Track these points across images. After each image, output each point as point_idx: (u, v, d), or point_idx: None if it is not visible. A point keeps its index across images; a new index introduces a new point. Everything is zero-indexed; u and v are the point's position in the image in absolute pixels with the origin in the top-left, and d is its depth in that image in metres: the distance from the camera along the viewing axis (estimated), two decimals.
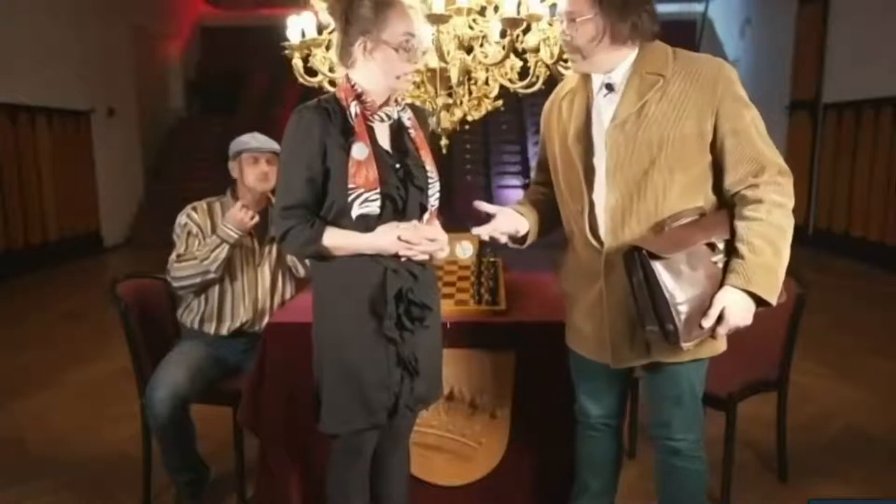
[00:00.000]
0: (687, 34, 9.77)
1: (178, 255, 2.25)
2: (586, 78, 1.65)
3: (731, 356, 2.14)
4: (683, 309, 1.46)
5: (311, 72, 2.50)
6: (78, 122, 7.60)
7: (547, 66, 2.42)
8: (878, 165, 6.49)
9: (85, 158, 7.75)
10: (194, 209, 2.32)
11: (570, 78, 1.75)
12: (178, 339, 2.42)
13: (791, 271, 2.16)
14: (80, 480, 2.57)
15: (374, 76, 1.57)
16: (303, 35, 2.43)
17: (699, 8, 9.74)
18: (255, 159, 2.28)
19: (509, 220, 1.74)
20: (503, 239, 1.74)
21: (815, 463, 2.63)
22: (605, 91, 1.60)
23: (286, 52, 2.46)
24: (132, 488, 2.41)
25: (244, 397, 2.10)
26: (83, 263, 7.27)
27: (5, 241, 6.39)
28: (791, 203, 1.54)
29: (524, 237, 1.78)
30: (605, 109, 1.60)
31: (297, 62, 2.47)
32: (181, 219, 2.31)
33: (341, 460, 1.72)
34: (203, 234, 2.28)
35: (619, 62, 1.57)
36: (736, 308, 1.49)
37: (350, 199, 1.52)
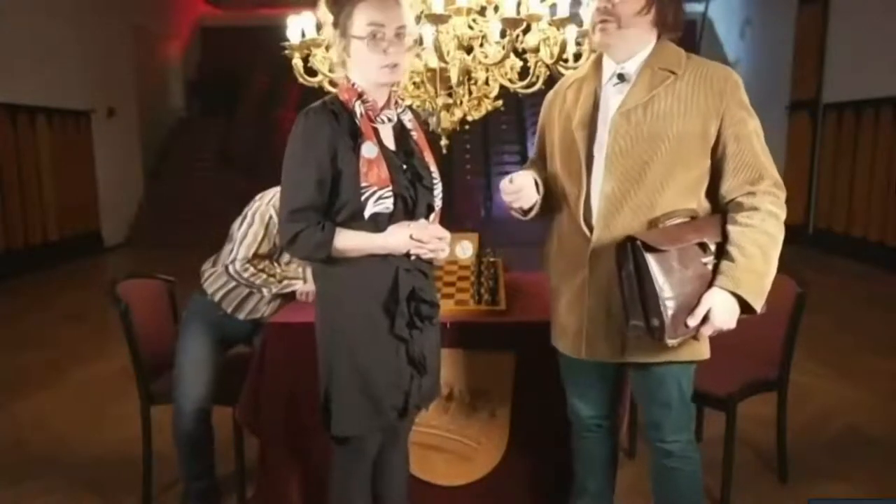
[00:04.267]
0: (687, 34, 9.69)
1: (254, 255, 2.15)
2: (597, 67, 1.66)
3: (731, 356, 2.15)
4: (671, 305, 1.46)
5: (311, 72, 2.50)
6: (78, 122, 7.60)
7: (547, 66, 2.42)
8: (878, 165, 6.49)
9: (85, 158, 7.75)
10: None
11: (578, 70, 1.77)
12: (182, 315, 2.34)
13: (791, 271, 2.18)
14: (80, 480, 2.57)
15: (360, 73, 1.58)
16: (303, 35, 2.42)
17: (699, 8, 9.74)
18: None
19: (531, 185, 1.69)
20: (519, 204, 1.68)
21: (815, 463, 2.63)
22: (615, 80, 1.61)
23: (286, 52, 2.46)
24: (132, 488, 2.41)
25: (243, 396, 2.11)
26: (83, 263, 7.27)
27: (5, 241, 6.40)
28: (784, 215, 1.55)
29: (531, 208, 1.74)
30: (612, 98, 1.61)
31: (297, 62, 2.47)
32: (264, 208, 2.15)
33: (345, 462, 1.72)
34: (269, 232, 2.17)
35: (639, 50, 1.59)
36: (722, 310, 1.50)
37: (364, 197, 1.51)
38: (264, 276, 2.17)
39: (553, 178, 1.73)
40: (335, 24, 1.56)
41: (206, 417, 2.21)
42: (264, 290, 2.20)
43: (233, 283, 2.23)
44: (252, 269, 2.15)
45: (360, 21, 1.52)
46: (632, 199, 1.56)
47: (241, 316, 2.27)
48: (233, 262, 2.15)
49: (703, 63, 1.59)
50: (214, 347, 2.23)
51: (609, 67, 1.63)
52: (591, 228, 1.61)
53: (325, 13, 1.60)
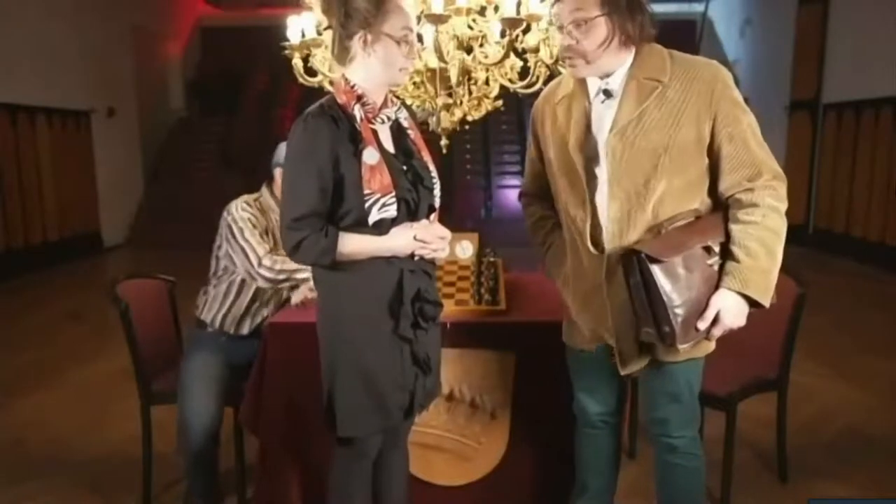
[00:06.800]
0: (687, 34, 9.77)
1: (271, 249, 2.17)
2: (582, 83, 1.62)
3: (731, 356, 2.15)
4: (680, 312, 1.47)
5: (311, 72, 2.50)
6: (78, 122, 7.60)
7: (547, 66, 2.41)
8: (878, 165, 6.49)
9: (85, 158, 7.75)
10: (248, 204, 2.24)
11: (564, 82, 1.70)
12: (182, 341, 2.37)
13: (791, 271, 2.18)
14: (80, 480, 2.57)
15: (373, 71, 1.56)
16: (303, 35, 2.42)
17: (699, 8, 9.73)
18: None
19: None
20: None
21: (815, 463, 2.63)
22: (602, 97, 1.58)
23: (286, 52, 2.46)
24: (132, 488, 2.41)
25: (246, 397, 2.11)
26: (83, 263, 7.28)
27: (5, 241, 6.40)
28: (785, 206, 1.55)
29: None
30: (604, 117, 1.58)
31: (297, 62, 2.47)
32: (240, 213, 2.20)
33: (346, 462, 1.72)
34: (261, 228, 2.21)
35: (619, 66, 1.55)
36: (731, 310, 1.51)
37: (368, 204, 1.51)
38: (293, 266, 2.15)
39: (557, 198, 1.72)
40: (365, 18, 1.52)
41: (214, 435, 2.19)
42: (303, 288, 2.19)
43: (229, 302, 2.24)
44: (279, 259, 2.15)
45: (397, 22, 1.53)
46: (637, 216, 1.55)
47: (245, 331, 2.27)
48: (260, 265, 2.14)
49: (689, 64, 1.54)
50: (221, 367, 2.22)
51: (594, 83, 1.59)
52: (599, 246, 1.60)
53: (330, 6, 1.57)
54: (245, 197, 2.28)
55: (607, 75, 1.56)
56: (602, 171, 1.58)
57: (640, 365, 1.65)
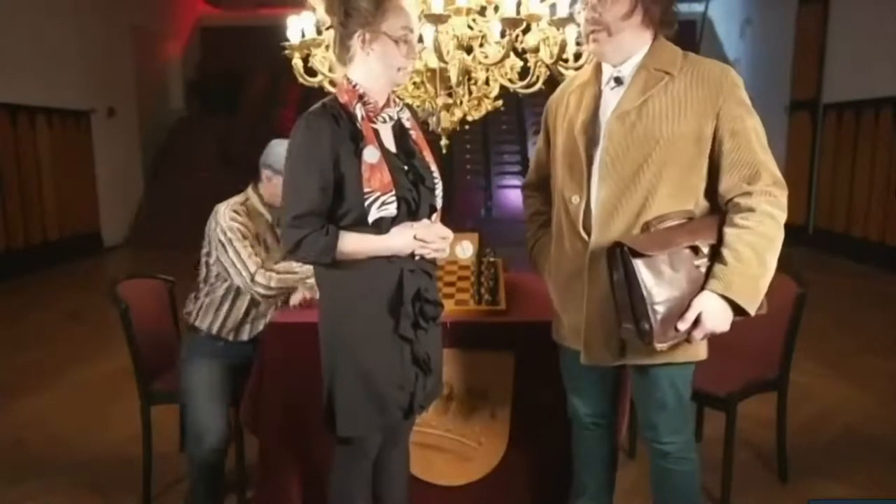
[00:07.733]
0: (687, 34, 9.76)
1: (264, 261, 2.13)
2: (597, 71, 1.66)
3: (731, 356, 2.15)
4: (660, 309, 1.45)
5: (311, 72, 2.50)
6: (78, 122, 7.60)
7: (547, 66, 2.41)
8: (878, 166, 6.49)
9: (85, 158, 7.75)
10: (235, 212, 2.17)
11: (581, 73, 1.75)
12: (180, 344, 2.33)
13: (791, 271, 2.18)
14: (80, 480, 2.57)
15: (373, 70, 1.57)
16: (303, 35, 2.42)
17: (699, 8, 9.74)
18: None
19: None
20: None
21: (815, 463, 2.63)
22: (613, 84, 1.61)
23: (286, 52, 2.46)
24: (132, 488, 2.41)
25: (246, 397, 2.11)
26: (83, 263, 7.27)
27: (5, 241, 6.39)
28: (783, 216, 1.53)
29: None
30: (610, 102, 1.60)
31: (297, 62, 2.47)
32: (229, 223, 2.13)
33: (346, 462, 1.72)
34: (251, 237, 2.15)
35: (636, 52, 1.58)
36: (713, 313, 1.49)
37: (367, 203, 1.51)
38: (286, 275, 2.13)
39: (555, 182, 1.73)
40: (365, 17, 1.53)
41: (222, 448, 2.14)
42: (301, 289, 2.16)
43: (225, 309, 2.20)
44: (274, 276, 2.11)
45: (396, 21, 1.54)
46: (626, 204, 1.55)
47: (245, 337, 2.25)
48: (254, 283, 2.10)
49: (701, 62, 1.57)
50: (221, 372, 2.19)
51: (607, 70, 1.63)
52: (588, 232, 1.60)
53: (332, 5, 1.58)
54: (233, 203, 2.20)
55: (621, 63, 1.59)
56: (598, 155, 1.59)
57: (606, 362, 1.64)
